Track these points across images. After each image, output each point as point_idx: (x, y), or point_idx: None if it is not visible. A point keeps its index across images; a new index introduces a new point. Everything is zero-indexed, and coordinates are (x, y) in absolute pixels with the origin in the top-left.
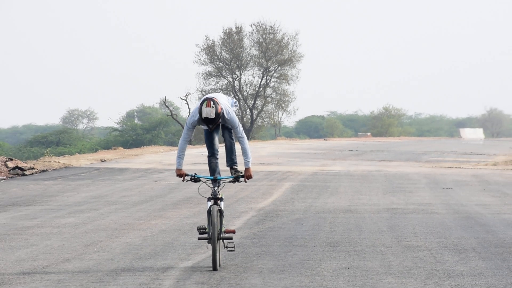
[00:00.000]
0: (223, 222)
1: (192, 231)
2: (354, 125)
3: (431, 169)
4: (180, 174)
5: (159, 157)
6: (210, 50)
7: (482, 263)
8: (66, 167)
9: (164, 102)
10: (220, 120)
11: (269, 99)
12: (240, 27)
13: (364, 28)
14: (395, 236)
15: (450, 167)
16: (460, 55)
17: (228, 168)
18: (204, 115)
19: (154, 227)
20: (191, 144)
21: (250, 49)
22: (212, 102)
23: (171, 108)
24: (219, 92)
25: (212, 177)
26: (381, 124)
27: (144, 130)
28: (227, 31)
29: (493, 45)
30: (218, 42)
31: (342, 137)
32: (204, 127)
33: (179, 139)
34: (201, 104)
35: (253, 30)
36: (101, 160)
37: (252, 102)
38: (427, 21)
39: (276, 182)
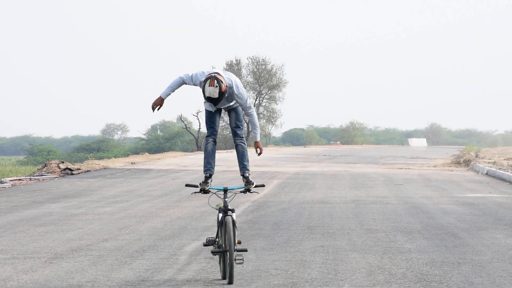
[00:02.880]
0: (236, 233)
1: (202, 218)
2: (327, 136)
3: (386, 169)
4: (158, 101)
5: (177, 160)
6: None
7: (425, 242)
8: (104, 168)
9: (180, 118)
10: (227, 97)
11: (261, 115)
12: (239, 60)
13: (334, 59)
14: (358, 221)
15: (401, 168)
16: (410, 76)
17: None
18: (207, 94)
19: (173, 214)
20: (221, 149)
21: (246, 77)
22: (215, 81)
23: (185, 123)
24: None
25: (222, 188)
26: (348, 135)
27: (164, 139)
28: (229, 62)
29: (434, 69)
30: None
31: (318, 145)
32: (207, 107)
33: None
34: (204, 82)
35: (249, 62)
36: (132, 163)
37: (248, 118)
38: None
39: (267, 180)
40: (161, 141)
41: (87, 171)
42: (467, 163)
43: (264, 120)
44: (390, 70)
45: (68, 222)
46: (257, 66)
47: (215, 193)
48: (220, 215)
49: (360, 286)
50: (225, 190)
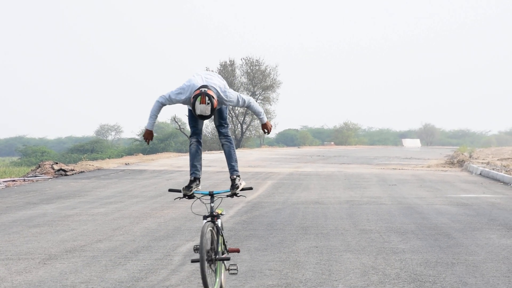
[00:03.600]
0: (221, 241)
1: (196, 219)
2: (321, 136)
3: (380, 170)
4: (147, 135)
5: (170, 161)
6: None
7: (419, 242)
8: (98, 169)
9: (174, 119)
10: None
11: (255, 116)
12: (233, 61)
13: (328, 60)
14: (352, 222)
15: (395, 168)
16: (404, 76)
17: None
18: (198, 112)
19: (167, 215)
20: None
21: (240, 78)
22: (206, 98)
23: (179, 123)
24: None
25: (207, 192)
26: (342, 135)
27: (158, 140)
28: (223, 63)
29: (429, 70)
30: (215, 71)
31: (312, 146)
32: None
33: (154, 105)
34: (194, 99)
35: (242, 62)
36: (126, 164)
37: (242, 118)
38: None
39: (261, 180)
40: (155, 142)
41: (81, 172)
42: (460, 163)
43: (259, 121)
44: (384, 70)
45: (62, 223)
46: (251, 67)
47: (199, 198)
48: (204, 221)
49: (354, 287)
50: (211, 195)
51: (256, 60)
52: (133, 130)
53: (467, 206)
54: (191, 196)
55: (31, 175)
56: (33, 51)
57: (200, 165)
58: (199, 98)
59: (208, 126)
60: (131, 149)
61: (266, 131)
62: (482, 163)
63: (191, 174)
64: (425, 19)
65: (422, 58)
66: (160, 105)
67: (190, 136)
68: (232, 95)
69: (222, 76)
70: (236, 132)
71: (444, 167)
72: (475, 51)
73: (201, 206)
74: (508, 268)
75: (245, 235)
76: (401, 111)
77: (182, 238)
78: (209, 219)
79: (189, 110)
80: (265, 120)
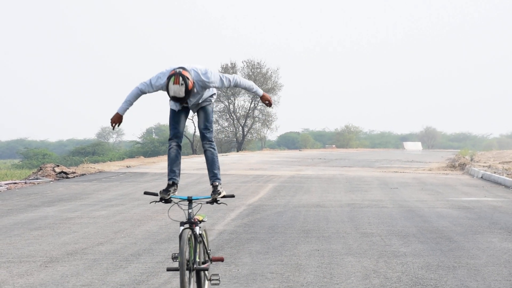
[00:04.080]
0: (202, 249)
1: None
2: (322, 139)
3: (381, 173)
4: (116, 119)
5: None
6: None
7: (421, 246)
8: (99, 171)
9: None
10: (198, 91)
11: (256, 119)
12: (234, 63)
13: (329, 63)
14: (354, 225)
15: (396, 171)
16: (405, 79)
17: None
18: (171, 93)
19: (168, 218)
20: (196, 154)
21: None
22: (180, 78)
23: None
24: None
25: (186, 197)
26: (343, 138)
27: (160, 143)
28: (224, 66)
29: (430, 73)
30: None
31: (313, 149)
32: (172, 106)
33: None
34: (168, 79)
35: (244, 65)
36: (127, 166)
37: (244, 121)
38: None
39: (262, 183)
40: (156, 145)
41: (82, 174)
42: (462, 166)
43: (260, 124)
44: (385, 73)
45: (63, 225)
46: (252, 70)
47: (177, 203)
48: (182, 228)
49: None
50: (190, 200)
51: (258, 62)
52: (134, 133)
53: (469, 210)
54: (168, 201)
55: (33, 177)
56: (34, 53)
57: (179, 170)
58: (172, 78)
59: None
60: (133, 152)
61: (267, 103)
62: (484, 166)
63: (169, 179)
64: (426, 21)
65: (423, 61)
66: (139, 91)
67: (170, 139)
68: (214, 76)
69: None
70: (238, 135)
71: (445, 170)
72: (476, 53)
73: (200, 210)
74: (509, 271)
75: (246, 238)
76: (402, 114)
77: None
78: (187, 225)
79: (170, 110)
80: (261, 92)
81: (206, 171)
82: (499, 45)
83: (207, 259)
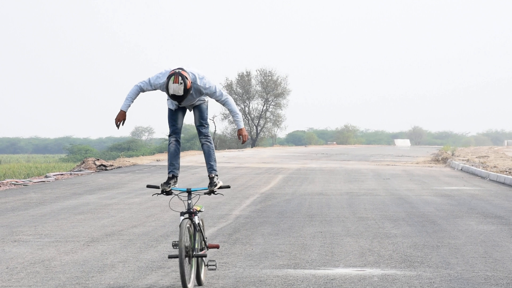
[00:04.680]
0: (200, 237)
1: (217, 207)
2: (325, 137)
3: (375, 166)
4: (120, 116)
5: (195, 158)
6: (229, 87)
7: (409, 228)
8: (133, 164)
9: None
10: (193, 94)
11: (268, 119)
12: (249, 72)
13: (329, 70)
14: (352, 210)
15: (388, 164)
16: (396, 84)
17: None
18: (171, 92)
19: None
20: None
21: (255, 86)
22: (180, 77)
23: None
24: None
25: (185, 189)
26: (343, 136)
27: (185, 140)
28: (240, 74)
29: (418, 77)
30: (234, 82)
31: (317, 145)
32: (169, 105)
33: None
34: (168, 78)
35: (257, 73)
36: (157, 160)
37: (257, 121)
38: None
39: (273, 175)
40: (182, 141)
41: (119, 167)
42: (444, 160)
43: (271, 124)
44: (380, 79)
45: (102, 211)
46: (265, 77)
47: (177, 194)
48: (182, 217)
49: (353, 266)
50: (189, 192)
51: (269, 71)
52: (163, 131)
53: (450, 197)
54: (169, 193)
55: (77, 169)
56: (78, 61)
57: (179, 163)
58: (172, 78)
59: (228, 127)
60: (162, 148)
61: (241, 137)
62: (463, 160)
63: (169, 172)
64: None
65: (411, 67)
66: (139, 89)
67: (169, 135)
68: (209, 83)
69: (239, 85)
70: (252, 133)
71: (430, 163)
72: (462, 58)
73: (220, 197)
74: (484, 250)
75: (259, 222)
76: (393, 115)
77: (205, 224)
78: (186, 215)
79: (168, 109)
80: (242, 125)
81: (224, 164)
82: (484, 50)
83: (203, 246)
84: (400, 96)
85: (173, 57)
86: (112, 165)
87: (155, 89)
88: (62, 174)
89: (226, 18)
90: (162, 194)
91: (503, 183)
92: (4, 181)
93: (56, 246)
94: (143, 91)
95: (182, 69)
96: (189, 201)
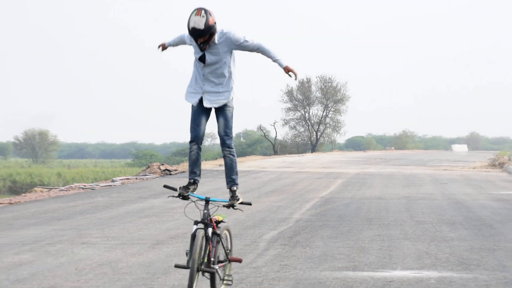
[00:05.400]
0: (208, 249)
1: (278, 211)
2: (383, 142)
3: (433, 171)
4: (163, 46)
5: (257, 163)
6: (289, 93)
7: (466, 232)
8: None
9: (260, 127)
10: (219, 46)
11: (328, 125)
12: (309, 78)
13: (387, 76)
14: (409, 214)
15: (445, 169)
16: (453, 90)
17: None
18: (191, 24)
19: (254, 208)
20: (276, 154)
21: (315, 93)
22: (203, 11)
23: (264, 131)
24: None
25: (203, 197)
26: (401, 141)
27: (246, 145)
28: (301, 80)
29: (474, 84)
30: (294, 88)
31: (375, 150)
32: (190, 100)
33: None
34: (191, 13)
35: (317, 80)
36: (219, 165)
37: (317, 127)
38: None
39: (332, 179)
40: (243, 147)
41: (183, 171)
42: (501, 165)
43: (330, 129)
44: (436, 85)
45: (167, 214)
46: (324, 84)
47: (194, 201)
48: (195, 227)
49: (411, 269)
50: (207, 200)
51: (329, 77)
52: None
53: (507, 202)
54: (185, 197)
55: (142, 174)
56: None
57: (200, 170)
58: (195, 11)
59: (288, 133)
60: None
61: (291, 74)
62: None
63: (190, 178)
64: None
65: (466, 75)
66: (183, 37)
67: (191, 141)
68: (238, 34)
69: (300, 92)
70: (312, 139)
71: (487, 168)
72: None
73: (281, 201)
74: None
75: (319, 225)
76: (451, 120)
77: (266, 227)
78: (200, 225)
79: (192, 109)
80: (285, 63)
81: (285, 169)
82: None
83: (225, 258)
84: (458, 101)
85: None
86: (176, 170)
87: (190, 43)
88: (128, 179)
89: (285, 26)
90: (178, 198)
91: None
92: (73, 185)
93: (123, 248)
94: (185, 41)
95: (208, 8)
96: (206, 211)
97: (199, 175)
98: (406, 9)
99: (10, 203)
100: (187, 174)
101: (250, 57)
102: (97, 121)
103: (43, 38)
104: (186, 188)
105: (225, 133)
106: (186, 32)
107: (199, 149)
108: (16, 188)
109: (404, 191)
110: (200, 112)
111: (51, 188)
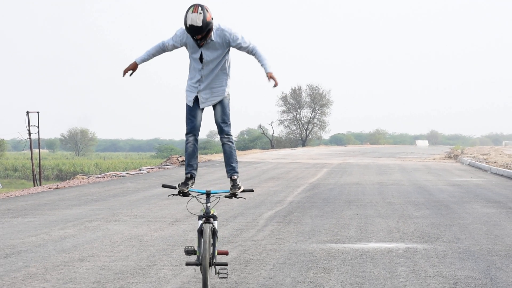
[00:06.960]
0: (216, 243)
1: (275, 194)
2: (360, 138)
3: (401, 161)
4: (131, 66)
5: (257, 155)
6: (284, 98)
7: (427, 211)
8: (208, 160)
9: (260, 126)
10: (216, 41)
11: (315, 124)
12: (300, 87)
13: (365, 84)
14: (382, 197)
15: (411, 160)
16: (420, 92)
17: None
18: (189, 22)
19: (255, 192)
20: (273, 148)
21: (305, 98)
22: (199, 8)
23: (263, 129)
24: None
25: (204, 191)
26: (375, 138)
27: (249, 140)
28: (293, 88)
29: (434, 85)
30: (288, 94)
31: (354, 145)
32: (188, 102)
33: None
34: (187, 10)
35: (307, 88)
36: None
37: (306, 126)
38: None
39: (319, 169)
40: (246, 142)
41: None
42: (455, 157)
43: (317, 128)
44: (402, 87)
45: (185, 197)
46: (312, 91)
47: (195, 196)
48: (200, 222)
49: (383, 241)
50: (208, 194)
51: (316, 86)
52: (232, 133)
53: (460, 186)
54: (186, 194)
55: (163, 164)
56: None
57: (197, 163)
58: (192, 8)
59: (283, 131)
60: None
61: (271, 80)
62: (470, 157)
63: (187, 173)
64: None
65: (429, 76)
66: (161, 45)
67: (187, 134)
68: (236, 32)
69: (292, 97)
70: (302, 136)
71: (444, 159)
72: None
73: (278, 186)
74: (487, 228)
75: (308, 206)
76: (414, 120)
77: (265, 208)
78: (205, 219)
79: (187, 106)
80: (270, 69)
81: (280, 160)
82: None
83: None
84: (418, 102)
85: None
86: None
87: (180, 42)
88: (152, 168)
89: (281, 38)
90: (178, 196)
91: (502, 175)
92: (107, 173)
93: (148, 224)
94: (166, 48)
95: (204, 4)
96: (208, 204)
97: (196, 169)
98: (370, 11)
99: (57, 188)
100: (200, 164)
101: (253, 68)
102: (128, 120)
103: (83, 53)
104: (185, 184)
105: (222, 120)
106: (166, 39)
107: (196, 141)
108: (62, 176)
109: (377, 178)
110: (196, 104)
111: (90, 176)
